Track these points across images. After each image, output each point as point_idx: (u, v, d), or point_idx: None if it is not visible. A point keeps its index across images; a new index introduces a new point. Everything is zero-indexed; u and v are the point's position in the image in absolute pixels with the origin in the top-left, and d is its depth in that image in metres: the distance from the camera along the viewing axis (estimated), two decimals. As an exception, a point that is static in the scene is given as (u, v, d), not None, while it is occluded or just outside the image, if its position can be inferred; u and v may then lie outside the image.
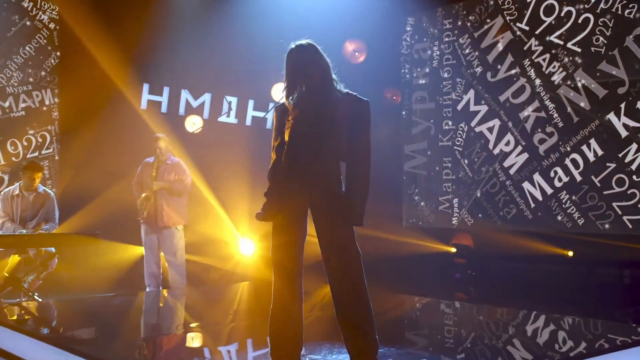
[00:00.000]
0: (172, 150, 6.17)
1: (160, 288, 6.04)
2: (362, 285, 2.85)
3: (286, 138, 2.82)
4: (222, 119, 7.86)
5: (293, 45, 2.92)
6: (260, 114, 7.97)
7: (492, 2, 7.29)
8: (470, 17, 7.47)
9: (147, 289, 5.99)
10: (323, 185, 2.84)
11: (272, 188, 2.87)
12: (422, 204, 7.85)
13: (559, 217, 6.75)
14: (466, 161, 7.44)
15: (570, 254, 6.82)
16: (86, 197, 6.69)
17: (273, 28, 6.42)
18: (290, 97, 2.85)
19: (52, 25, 7.15)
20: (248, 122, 7.96)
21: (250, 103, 7.97)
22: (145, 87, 7.44)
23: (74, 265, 6.46)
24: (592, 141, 6.53)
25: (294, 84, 2.86)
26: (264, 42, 6.74)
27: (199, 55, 7.42)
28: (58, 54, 7.15)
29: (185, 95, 7.67)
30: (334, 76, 2.92)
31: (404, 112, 8.16)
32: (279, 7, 7.13)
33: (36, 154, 6.96)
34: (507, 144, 7.09)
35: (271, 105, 7.29)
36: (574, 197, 6.67)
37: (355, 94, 2.87)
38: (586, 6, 6.62)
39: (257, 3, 7.52)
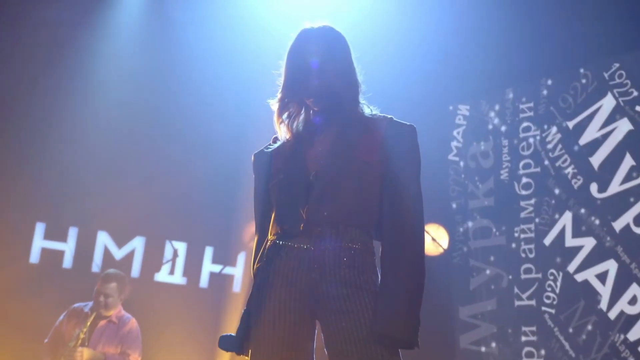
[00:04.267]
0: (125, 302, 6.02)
1: None
2: None
3: (274, 193, 2.65)
4: (162, 277, 7.46)
5: (299, 31, 2.74)
6: (227, 269, 7.71)
7: (594, 76, 6.82)
8: (560, 100, 6.98)
9: None
10: (341, 275, 2.50)
11: (253, 291, 2.64)
12: (494, 400, 7.15)
13: None
14: (563, 331, 6.75)
15: None
16: None
17: (253, 132, 5.98)
18: (286, 115, 2.68)
19: None
20: (203, 282, 7.61)
21: (208, 252, 7.66)
22: (39, 227, 7.10)
23: None
24: None
25: (293, 93, 2.66)
26: (234, 152, 6.76)
27: (127, 176, 7.22)
28: None
29: (103, 239, 7.31)
30: (358, 90, 2.72)
31: (455, 255, 7.62)
32: (263, 103, 6.62)
33: None
34: (633, 301, 6.37)
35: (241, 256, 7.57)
36: None
37: (390, 116, 2.67)
38: None
39: (226, 89, 7.36)
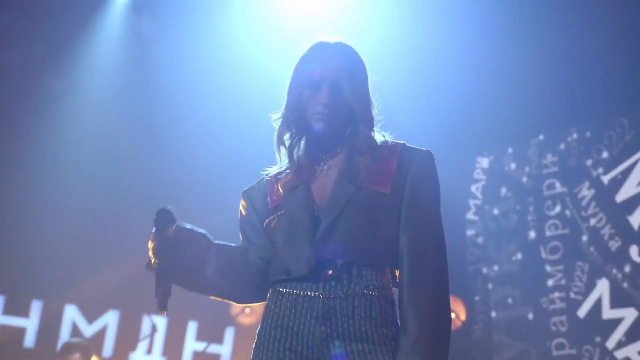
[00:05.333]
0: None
1: None
2: None
3: (274, 232, 2.50)
4: (139, 357, 7.32)
5: (312, 44, 2.61)
6: (212, 347, 7.60)
7: (632, 124, 6.70)
8: (593, 151, 6.91)
9: None
10: (356, 328, 2.34)
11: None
12: None
13: None
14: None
15: None
16: None
17: (241, 189, 6.03)
18: (288, 135, 2.53)
19: None
20: (186, 363, 7.62)
21: (191, 327, 7.64)
22: (-1, 300, 7.17)
23: None
24: None
25: (299, 110, 2.50)
26: (219, 213, 6.39)
27: (99, 242, 7.12)
28: None
29: (71, 314, 7.20)
30: (373, 114, 2.60)
31: (476, 328, 7.45)
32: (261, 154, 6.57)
33: None
34: (684, 384, 6.23)
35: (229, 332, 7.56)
36: None
37: (403, 142, 2.56)
38: None
39: (209, 145, 7.24)
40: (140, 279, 7.28)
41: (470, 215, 7.67)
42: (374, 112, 2.58)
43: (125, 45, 7.13)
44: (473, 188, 7.64)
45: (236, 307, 7.38)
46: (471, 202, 7.65)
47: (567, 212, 6.98)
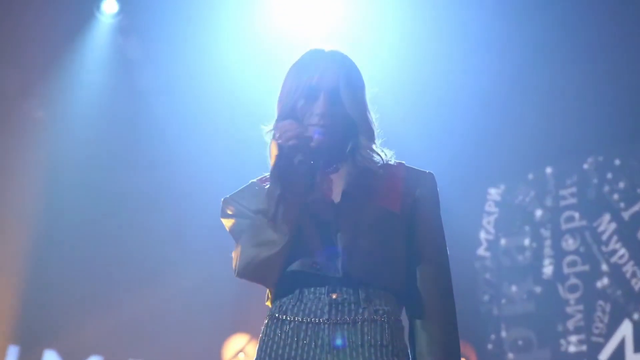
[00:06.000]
0: None
1: None
2: None
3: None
4: None
5: (306, 51, 2.59)
6: None
7: None
8: (613, 182, 6.78)
9: None
10: (365, 358, 2.31)
11: None
12: None
13: None
14: None
15: None
16: None
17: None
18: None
19: None
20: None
21: None
22: (-27, 346, 6.84)
23: None
24: None
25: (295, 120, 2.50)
26: (210, 255, 6.23)
27: (81, 283, 6.92)
28: None
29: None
30: (374, 127, 2.59)
31: None
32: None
33: None
34: None
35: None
36: None
37: (403, 162, 2.58)
38: None
39: (199, 177, 7.03)
40: (125, 322, 7.36)
41: (481, 251, 7.51)
42: (374, 126, 2.56)
43: (111, 68, 6.92)
44: (484, 221, 7.55)
45: (228, 351, 7.28)
46: (482, 236, 7.52)
47: (587, 247, 6.85)
